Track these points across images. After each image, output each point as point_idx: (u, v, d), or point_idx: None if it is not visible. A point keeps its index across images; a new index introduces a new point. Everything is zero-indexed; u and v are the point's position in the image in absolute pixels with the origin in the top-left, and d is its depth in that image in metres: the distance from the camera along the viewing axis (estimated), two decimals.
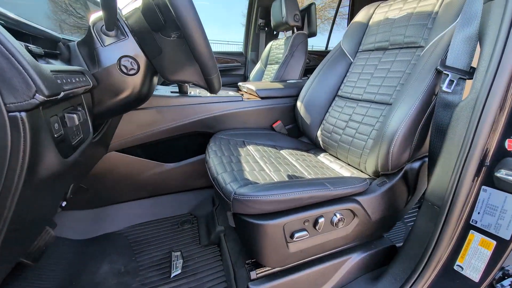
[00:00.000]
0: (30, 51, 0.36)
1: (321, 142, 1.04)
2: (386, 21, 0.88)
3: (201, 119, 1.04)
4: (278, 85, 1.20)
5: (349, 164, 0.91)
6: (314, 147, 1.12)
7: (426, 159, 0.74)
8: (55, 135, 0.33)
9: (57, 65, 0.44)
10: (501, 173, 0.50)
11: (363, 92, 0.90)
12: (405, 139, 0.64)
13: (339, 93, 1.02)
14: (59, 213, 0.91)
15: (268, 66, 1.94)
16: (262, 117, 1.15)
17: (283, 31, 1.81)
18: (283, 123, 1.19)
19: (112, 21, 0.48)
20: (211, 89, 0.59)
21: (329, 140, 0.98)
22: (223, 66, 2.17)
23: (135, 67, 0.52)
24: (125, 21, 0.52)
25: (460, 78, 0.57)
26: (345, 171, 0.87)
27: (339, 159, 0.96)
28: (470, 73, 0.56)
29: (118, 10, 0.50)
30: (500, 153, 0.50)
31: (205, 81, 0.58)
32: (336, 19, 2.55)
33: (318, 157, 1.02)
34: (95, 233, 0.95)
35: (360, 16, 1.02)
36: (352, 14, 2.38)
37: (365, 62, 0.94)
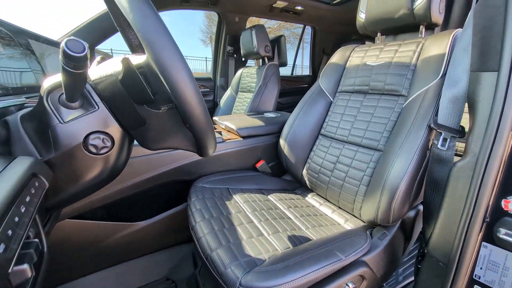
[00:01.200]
0: None
1: (307, 182, 1.01)
2: (365, 66, 0.92)
3: (178, 166, 0.91)
4: (259, 122, 1.15)
5: (340, 208, 0.89)
6: (299, 185, 1.09)
7: (420, 207, 0.76)
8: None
9: None
10: (501, 233, 0.52)
11: (348, 134, 0.90)
12: (406, 194, 0.64)
13: (322, 131, 1.01)
14: None
15: (239, 93, 1.89)
16: (244, 158, 1.08)
17: (253, 59, 1.80)
18: (266, 161, 1.13)
19: (78, 91, 0.36)
20: (203, 153, 0.50)
21: (317, 181, 0.95)
22: None
23: (108, 144, 0.40)
24: (93, 86, 0.40)
25: (452, 136, 0.59)
26: (338, 217, 0.84)
27: (328, 201, 0.94)
28: (460, 132, 0.59)
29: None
30: (498, 212, 0.52)
31: (197, 147, 0.48)
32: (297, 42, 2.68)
33: (307, 198, 0.99)
34: None
35: (336, 58, 1.05)
36: (314, 43, 2.54)
37: (346, 104, 0.96)
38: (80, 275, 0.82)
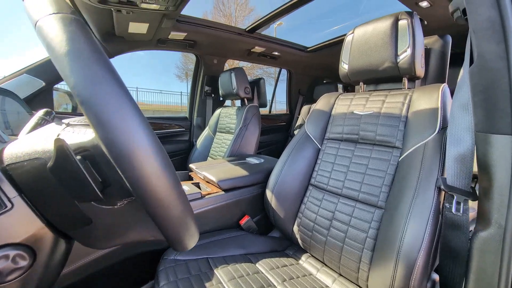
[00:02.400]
0: None
1: (299, 240, 0.88)
2: (352, 115, 0.89)
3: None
4: (242, 171, 1.03)
5: (341, 275, 0.76)
6: (290, 243, 0.95)
7: (434, 276, 0.67)
8: None
9: None
10: None
11: (342, 186, 0.83)
12: (425, 266, 0.55)
13: (312, 181, 0.92)
14: None
15: (217, 133, 1.80)
16: (226, 214, 0.93)
17: (231, 99, 1.76)
18: (251, 215, 0.99)
19: None
20: (178, 247, 0.35)
21: (311, 240, 0.83)
22: (166, 132, 1.89)
23: (24, 263, 0.25)
24: (7, 172, 0.26)
25: (465, 199, 0.53)
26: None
27: (327, 266, 0.81)
28: (472, 194, 0.53)
29: None
30: None
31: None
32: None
33: (301, 262, 0.85)
34: None
35: (321, 105, 1.03)
36: (290, 84, 2.64)
37: (336, 152, 0.90)
38: None
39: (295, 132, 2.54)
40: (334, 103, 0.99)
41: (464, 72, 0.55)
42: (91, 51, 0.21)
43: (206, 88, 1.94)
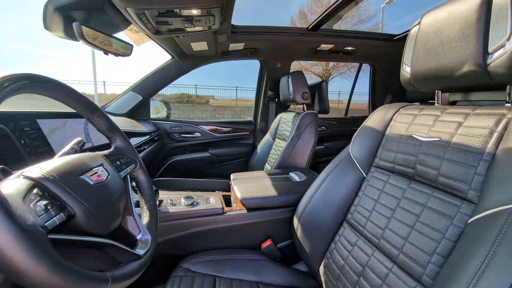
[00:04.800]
0: None
1: (323, 285, 0.74)
2: (410, 139, 0.64)
3: (170, 239, 0.83)
4: (272, 191, 0.96)
5: None
6: (315, 283, 0.82)
7: None
8: None
9: None
10: None
11: (380, 236, 0.62)
12: None
13: (348, 217, 0.74)
14: None
15: (276, 139, 1.76)
16: (248, 235, 0.90)
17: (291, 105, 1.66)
18: (276, 241, 0.92)
19: None
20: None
21: (335, 287, 0.68)
22: (231, 136, 2.04)
23: None
24: None
25: None
26: None
27: None
28: None
29: None
30: None
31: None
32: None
33: None
34: None
35: (373, 120, 0.80)
36: (374, 80, 2.20)
37: (383, 187, 0.68)
38: None
39: None
40: (391, 119, 0.75)
41: None
42: None
43: (269, 92, 1.92)
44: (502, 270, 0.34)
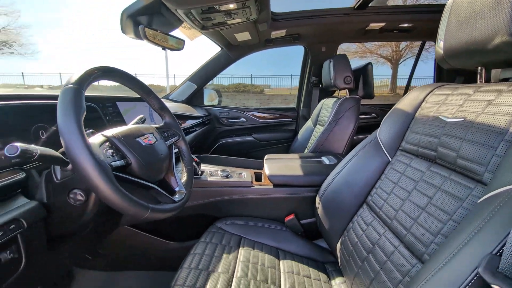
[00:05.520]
0: None
1: (339, 261, 0.79)
2: (435, 121, 0.60)
3: (208, 202, 1.00)
4: (299, 170, 1.02)
5: None
6: (333, 259, 0.86)
7: None
8: None
9: None
10: None
11: (393, 217, 0.62)
12: None
13: (368, 199, 0.75)
14: (79, 270, 1.04)
15: (317, 126, 1.76)
16: (273, 208, 1.00)
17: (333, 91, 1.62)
18: (300, 217, 0.99)
19: (53, 164, 0.51)
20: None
21: (347, 266, 0.72)
22: (274, 122, 2.13)
23: (83, 198, 0.54)
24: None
25: None
26: None
27: None
28: None
29: None
30: None
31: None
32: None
33: (331, 282, 0.77)
34: None
35: (405, 103, 0.76)
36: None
37: (404, 170, 0.66)
38: (131, 268, 1.09)
39: None
40: (423, 100, 0.70)
41: None
42: None
43: (313, 78, 1.89)
44: (482, 244, 0.34)
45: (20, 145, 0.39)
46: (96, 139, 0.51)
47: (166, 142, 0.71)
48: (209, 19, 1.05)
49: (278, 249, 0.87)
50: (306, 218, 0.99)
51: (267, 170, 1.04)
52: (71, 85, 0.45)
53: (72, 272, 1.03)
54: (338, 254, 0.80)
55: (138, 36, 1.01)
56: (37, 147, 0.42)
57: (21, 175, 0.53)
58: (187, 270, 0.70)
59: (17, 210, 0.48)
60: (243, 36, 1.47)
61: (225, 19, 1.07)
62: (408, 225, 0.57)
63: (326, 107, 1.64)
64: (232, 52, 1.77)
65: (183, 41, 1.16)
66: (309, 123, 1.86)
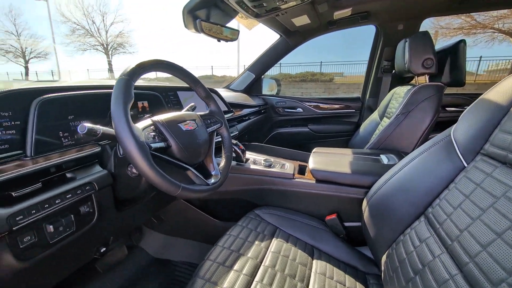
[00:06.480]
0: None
1: (382, 274, 0.69)
2: None
3: (249, 189, 1.03)
4: (345, 168, 0.92)
5: None
6: (377, 271, 0.76)
7: None
8: (21, 246, 0.50)
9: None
10: None
11: (455, 238, 0.49)
12: None
13: (428, 211, 0.62)
14: (148, 230, 1.28)
15: (384, 118, 1.52)
16: (313, 203, 0.94)
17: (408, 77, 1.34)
18: (342, 218, 0.90)
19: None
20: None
21: (389, 283, 0.63)
22: (334, 113, 1.96)
23: (136, 172, 0.64)
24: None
25: None
26: None
27: None
28: None
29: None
30: None
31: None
32: None
33: None
34: (161, 255, 1.23)
35: (498, 91, 0.56)
36: None
37: (481, 181, 0.51)
38: (185, 237, 1.25)
39: None
40: None
41: None
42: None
43: (385, 63, 1.61)
44: None
45: (88, 125, 0.50)
46: (144, 123, 0.59)
47: (208, 129, 0.76)
48: (261, 6, 1.04)
49: (314, 248, 0.83)
50: (350, 221, 0.90)
51: (310, 163, 0.98)
52: (124, 76, 0.53)
53: (143, 229, 1.27)
54: (383, 267, 0.70)
55: (197, 29, 1.10)
56: (101, 127, 0.52)
57: (97, 149, 0.68)
58: (220, 248, 0.76)
59: (92, 176, 0.63)
60: (301, 20, 1.39)
61: (278, 3, 1.03)
62: (473, 252, 0.44)
63: (397, 97, 1.39)
64: (291, 38, 1.70)
65: (238, 31, 1.19)
66: (374, 115, 1.63)
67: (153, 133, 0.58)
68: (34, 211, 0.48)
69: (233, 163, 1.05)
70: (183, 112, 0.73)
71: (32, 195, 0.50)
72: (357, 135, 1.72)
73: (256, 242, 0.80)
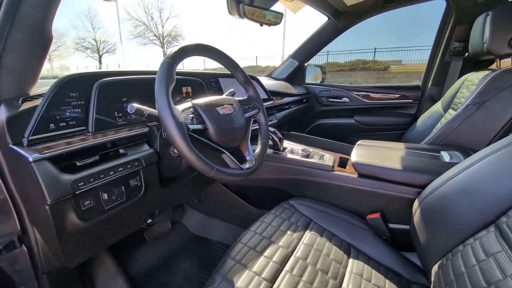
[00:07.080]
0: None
1: (431, 286, 0.61)
2: None
3: (285, 178, 1.01)
4: (394, 164, 0.81)
5: None
6: (425, 282, 0.67)
7: None
8: (82, 209, 0.58)
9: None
10: None
11: None
12: None
13: (501, 221, 0.51)
14: (189, 209, 1.38)
15: (450, 110, 1.30)
16: (354, 200, 0.87)
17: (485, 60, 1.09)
18: (386, 219, 0.81)
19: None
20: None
21: None
22: (386, 103, 1.75)
23: (177, 152, 0.68)
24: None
25: None
26: None
27: None
28: None
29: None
30: None
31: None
32: None
33: None
34: (200, 233, 1.32)
35: None
36: None
37: None
38: (222, 218, 1.31)
39: None
40: None
41: None
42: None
43: (456, 44, 1.34)
44: None
45: (136, 105, 0.54)
46: (184, 105, 0.62)
47: (245, 114, 0.76)
48: None
49: (351, 246, 0.77)
50: (396, 223, 0.80)
51: (353, 156, 0.90)
52: (167, 59, 0.56)
53: (185, 208, 1.38)
54: (433, 278, 0.61)
55: (241, 15, 1.09)
56: (148, 108, 0.57)
57: (146, 129, 0.74)
58: (252, 233, 0.77)
59: (141, 153, 0.69)
60: None
61: None
62: None
63: (468, 85, 1.17)
64: (340, 20, 1.56)
65: (281, 14, 1.14)
66: (437, 106, 1.40)
67: (192, 115, 0.61)
68: (92, 180, 0.56)
69: (270, 151, 1.04)
70: (222, 96, 0.74)
71: (91, 166, 0.58)
72: (413, 129, 1.51)
73: (289, 232, 0.78)
